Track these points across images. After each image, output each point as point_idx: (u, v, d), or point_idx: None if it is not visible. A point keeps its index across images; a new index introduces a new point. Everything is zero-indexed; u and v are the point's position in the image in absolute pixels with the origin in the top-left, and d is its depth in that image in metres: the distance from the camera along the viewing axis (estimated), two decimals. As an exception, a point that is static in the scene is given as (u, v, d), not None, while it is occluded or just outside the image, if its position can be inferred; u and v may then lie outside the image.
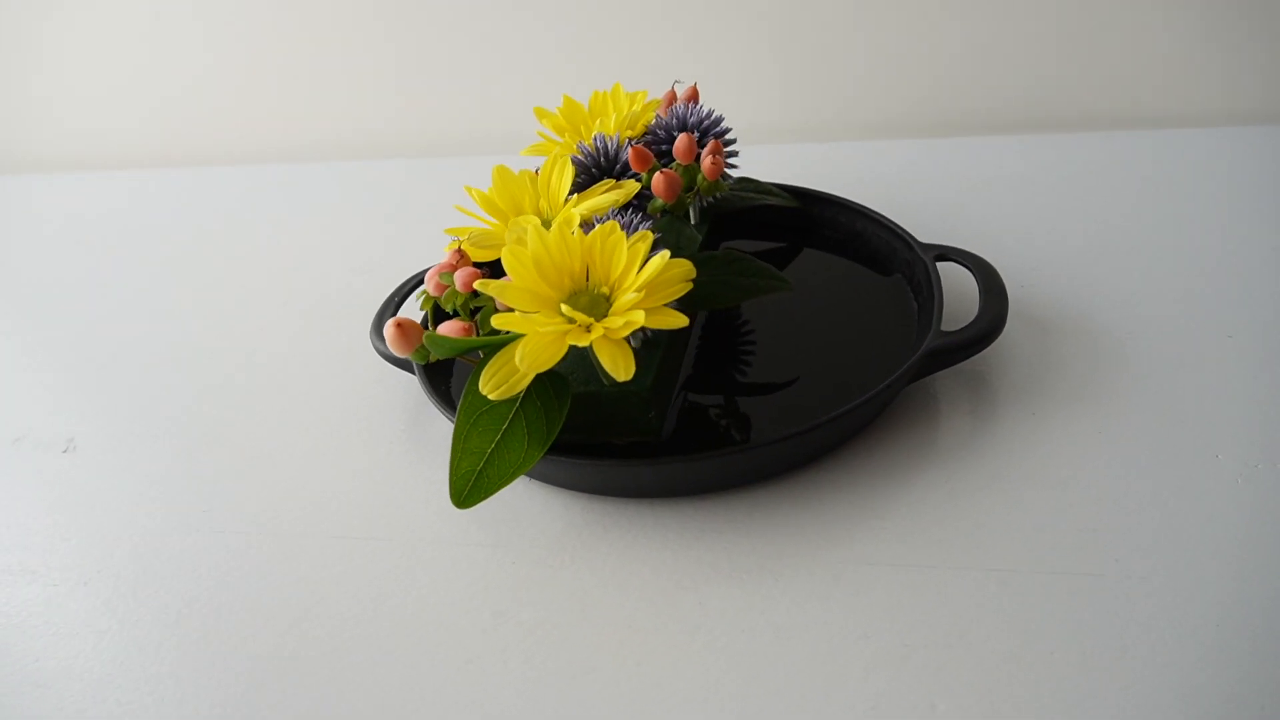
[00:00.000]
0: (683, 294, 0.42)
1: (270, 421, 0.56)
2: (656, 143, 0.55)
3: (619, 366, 0.39)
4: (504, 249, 0.41)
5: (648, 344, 0.48)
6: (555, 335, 0.40)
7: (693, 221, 0.60)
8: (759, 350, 0.54)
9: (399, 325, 0.44)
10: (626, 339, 0.45)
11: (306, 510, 0.49)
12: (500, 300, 0.41)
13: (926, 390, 0.50)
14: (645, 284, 0.41)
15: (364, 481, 0.50)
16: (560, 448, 0.46)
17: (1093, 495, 0.43)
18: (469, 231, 0.48)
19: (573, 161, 0.52)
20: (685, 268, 0.42)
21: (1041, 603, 0.39)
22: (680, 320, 0.41)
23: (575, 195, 0.50)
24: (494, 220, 0.49)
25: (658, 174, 0.48)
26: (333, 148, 0.94)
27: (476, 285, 0.41)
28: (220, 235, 0.80)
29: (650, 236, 0.42)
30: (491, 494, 0.42)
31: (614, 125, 0.55)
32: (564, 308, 0.39)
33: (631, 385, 0.46)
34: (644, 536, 0.45)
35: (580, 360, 0.44)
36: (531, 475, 0.48)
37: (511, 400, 0.44)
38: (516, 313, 0.40)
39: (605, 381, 0.46)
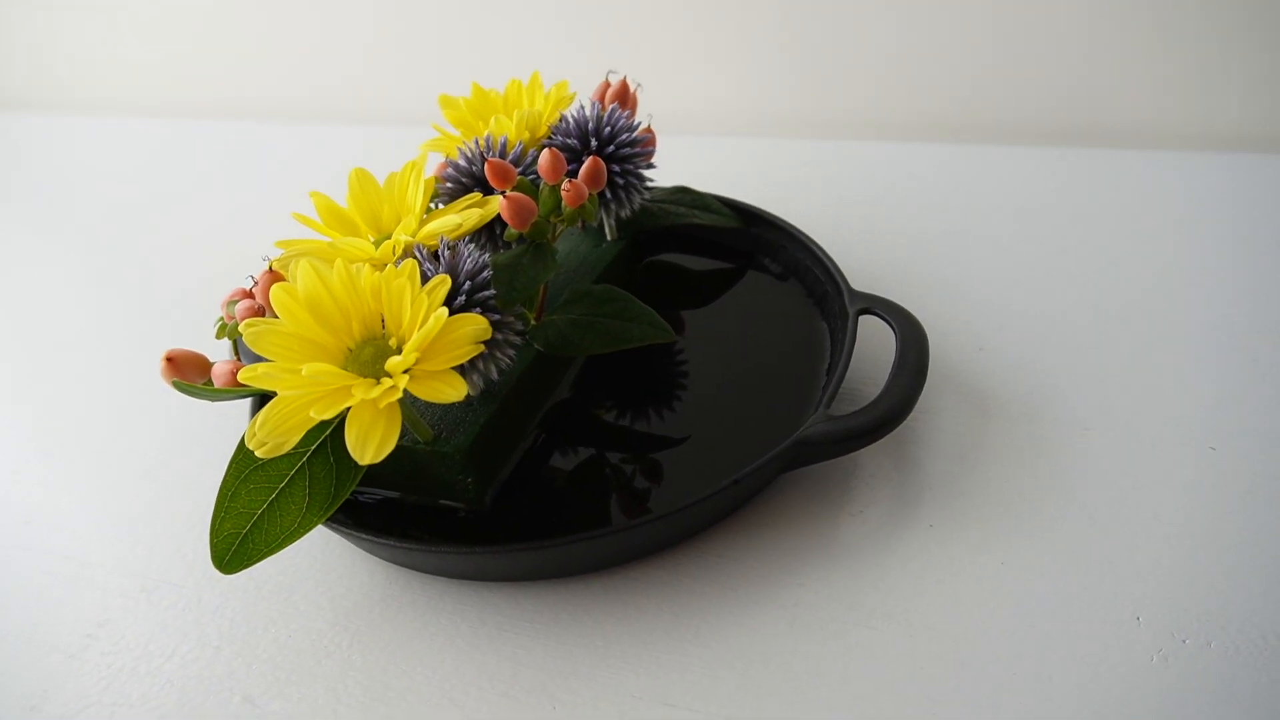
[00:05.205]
0: (473, 356, 0.35)
1: (112, 430, 0.52)
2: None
3: (367, 445, 0.33)
4: (274, 286, 0.35)
5: (484, 395, 0.42)
6: (299, 403, 0.33)
7: (608, 238, 0.53)
8: (654, 397, 0.46)
9: (169, 360, 0.38)
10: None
11: (110, 542, 0.45)
12: (254, 348, 0.35)
13: (819, 474, 0.42)
14: (421, 345, 0.34)
15: (182, 517, 0.45)
16: (352, 512, 0.41)
17: (957, 655, 0.34)
18: (290, 246, 0.42)
19: (450, 167, 0.46)
20: (477, 326, 0.35)
21: (844, 798, 0.31)
22: (458, 391, 0.34)
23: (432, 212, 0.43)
24: (331, 235, 0.43)
25: (504, 198, 0.40)
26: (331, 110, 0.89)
27: (242, 326, 0.35)
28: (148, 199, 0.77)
29: (447, 282, 0.35)
30: (257, 561, 0.37)
31: (513, 126, 0.48)
32: (306, 368, 0.33)
33: (444, 446, 0.40)
34: (435, 625, 0.38)
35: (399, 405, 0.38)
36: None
37: (294, 455, 0.38)
38: (262, 367, 0.34)
39: (406, 441, 0.39)
